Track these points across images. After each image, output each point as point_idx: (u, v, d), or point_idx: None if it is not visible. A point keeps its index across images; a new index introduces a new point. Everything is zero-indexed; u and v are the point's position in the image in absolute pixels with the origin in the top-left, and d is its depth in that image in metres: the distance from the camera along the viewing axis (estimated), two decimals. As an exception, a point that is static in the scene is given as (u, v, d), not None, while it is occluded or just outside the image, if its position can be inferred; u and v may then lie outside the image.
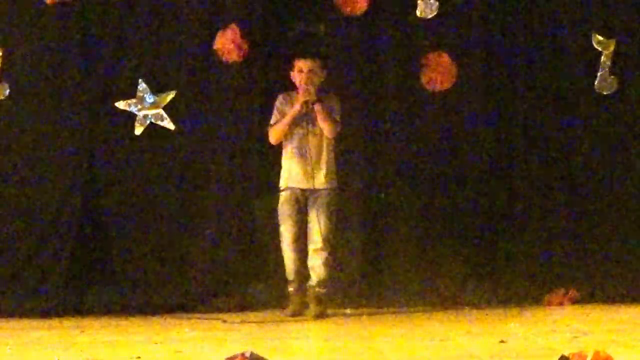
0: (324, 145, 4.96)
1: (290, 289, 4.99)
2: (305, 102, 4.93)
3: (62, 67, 5.54)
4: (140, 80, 5.53)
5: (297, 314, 4.94)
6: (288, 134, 4.98)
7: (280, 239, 4.99)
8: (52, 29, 5.54)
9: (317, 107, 4.90)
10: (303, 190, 4.96)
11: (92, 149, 5.55)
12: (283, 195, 5.00)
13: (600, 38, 5.53)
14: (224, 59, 5.52)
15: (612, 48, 5.50)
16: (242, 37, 5.49)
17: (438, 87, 5.55)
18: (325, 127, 4.90)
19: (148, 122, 5.55)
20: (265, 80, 5.52)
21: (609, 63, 5.49)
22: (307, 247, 4.94)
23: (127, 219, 5.53)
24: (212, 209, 5.54)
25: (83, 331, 4.63)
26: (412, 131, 5.57)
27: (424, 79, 5.54)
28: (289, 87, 5.09)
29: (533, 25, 5.57)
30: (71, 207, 5.48)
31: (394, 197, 5.52)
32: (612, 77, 5.51)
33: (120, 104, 5.55)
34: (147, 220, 5.53)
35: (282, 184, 5.03)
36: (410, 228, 5.48)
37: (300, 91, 4.94)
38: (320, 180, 4.94)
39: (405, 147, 5.55)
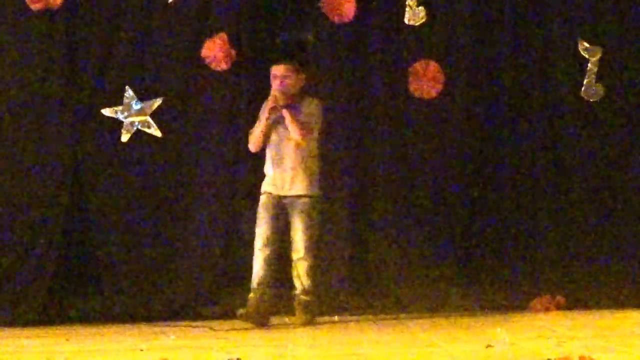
0: (302, 151, 4.95)
1: (251, 295, 4.90)
2: (274, 108, 4.92)
3: (49, 73, 5.53)
4: (127, 87, 5.52)
5: (250, 318, 4.79)
6: (268, 140, 4.97)
7: (254, 242, 4.96)
8: (39, 35, 5.53)
9: (285, 113, 4.90)
10: (281, 197, 4.95)
11: (78, 156, 5.53)
12: (262, 199, 5.00)
13: (587, 45, 5.55)
14: (212, 67, 5.52)
15: (598, 56, 5.52)
16: (230, 45, 5.50)
17: (425, 95, 5.56)
18: (292, 132, 4.89)
19: (135, 129, 5.54)
20: (253, 88, 5.51)
21: (595, 70, 5.51)
22: (279, 254, 4.91)
23: (113, 226, 5.52)
24: (199, 216, 5.52)
25: (68, 339, 4.61)
26: (399, 138, 5.58)
27: (411, 87, 5.56)
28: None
29: (520, 33, 5.59)
30: (56, 214, 5.45)
31: (380, 203, 5.53)
32: (599, 84, 5.53)
33: (107, 111, 5.54)
34: (133, 227, 5.51)
35: (262, 188, 5.04)
36: (397, 235, 5.48)
37: (270, 97, 4.95)
38: (298, 186, 4.93)
39: (392, 154, 5.56)
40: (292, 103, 4.94)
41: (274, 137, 4.97)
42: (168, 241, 5.52)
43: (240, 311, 4.85)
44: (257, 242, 4.91)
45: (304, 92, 5.05)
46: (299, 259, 4.90)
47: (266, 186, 5.01)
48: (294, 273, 4.94)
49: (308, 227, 4.88)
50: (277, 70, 4.97)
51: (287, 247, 4.97)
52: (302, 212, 4.90)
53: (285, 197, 4.95)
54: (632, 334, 4.18)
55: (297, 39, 5.68)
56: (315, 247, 4.94)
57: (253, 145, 5.02)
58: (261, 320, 4.85)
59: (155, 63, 5.57)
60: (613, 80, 5.53)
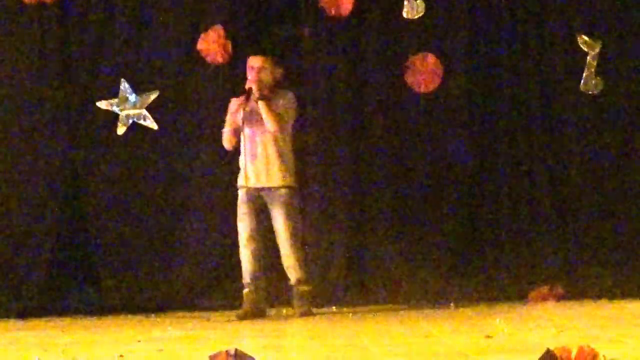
0: (277, 142, 4.91)
1: (245, 290, 4.90)
2: (246, 99, 4.88)
3: (43, 66, 5.51)
4: (122, 80, 5.50)
5: (249, 316, 4.82)
6: (242, 132, 4.93)
7: (238, 238, 4.94)
8: (32, 28, 5.51)
9: (260, 104, 4.87)
10: (258, 189, 4.92)
11: (73, 148, 5.52)
12: (239, 194, 4.96)
13: (586, 39, 5.54)
14: (207, 60, 5.50)
15: (597, 49, 5.51)
16: (226, 38, 5.47)
17: (423, 89, 5.54)
18: (267, 123, 4.86)
19: (130, 122, 5.51)
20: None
21: (594, 63, 5.50)
22: (264, 246, 4.90)
23: (109, 218, 5.50)
24: (196, 208, 5.51)
25: (64, 331, 4.59)
26: (397, 132, 5.56)
27: (409, 81, 5.54)
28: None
29: (518, 26, 5.58)
30: (52, 207, 5.44)
31: (378, 195, 5.51)
32: (598, 77, 5.52)
33: (102, 104, 5.52)
34: (129, 219, 5.50)
35: (238, 182, 5.00)
36: (395, 225, 5.47)
37: (246, 88, 4.92)
38: (274, 177, 4.90)
39: (390, 147, 5.54)
40: (267, 95, 4.90)
41: (247, 130, 4.93)
42: (164, 232, 5.50)
43: (238, 312, 4.85)
44: (241, 237, 4.90)
45: (279, 85, 5.00)
46: (285, 253, 4.88)
47: (242, 180, 4.97)
48: (285, 265, 4.91)
49: (289, 218, 4.86)
50: (254, 61, 4.95)
51: (273, 239, 4.94)
52: (281, 203, 4.87)
53: (262, 189, 4.92)
54: (631, 324, 4.16)
55: (294, 32, 5.65)
56: (299, 236, 4.92)
57: (227, 142, 4.97)
58: (260, 314, 4.85)
59: (150, 56, 5.55)
60: (612, 73, 5.52)
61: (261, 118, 4.88)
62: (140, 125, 5.51)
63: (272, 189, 4.90)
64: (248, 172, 4.91)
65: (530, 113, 5.57)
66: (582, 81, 5.53)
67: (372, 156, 5.56)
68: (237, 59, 5.48)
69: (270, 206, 4.91)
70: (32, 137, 5.50)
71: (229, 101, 5.48)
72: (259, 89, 4.87)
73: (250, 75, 4.92)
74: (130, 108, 5.51)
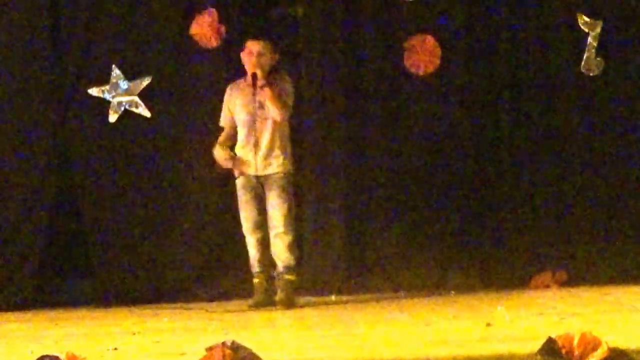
0: (275, 129, 4.82)
1: (255, 280, 4.85)
2: (253, 86, 4.80)
3: (33, 53, 5.41)
4: (113, 66, 5.40)
5: (262, 304, 4.78)
6: (240, 120, 4.86)
7: (242, 227, 4.87)
8: (22, 14, 5.40)
9: (266, 91, 4.77)
10: (257, 177, 4.84)
11: (65, 137, 5.43)
12: (238, 182, 4.89)
13: (586, 19, 5.46)
14: (201, 44, 5.42)
15: (598, 29, 5.43)
16: (219, 21, 5.39)
17: (422, 71, 5.47)
18: (274, 111, 4.78)
19: (122, 109, 5.43)
20: (243, 65, 5.39)
21: (595, 44, 5.43)
22: (268, 234, 4.83)
23: (103, 208, 5.43)
24: (191, 197, 5.44)
25: (58, 324, 4.55)
26: (395, 115, 5.48)
27: (407, 62, 5.45)
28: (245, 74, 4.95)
29: (518, 6, 5.49)
30: (44, 197, 5.37)
31: (376, 181, 5.44)
32: (599, 58, 5.44)
33: (94, 91, 5.43)
34: (124, 209, 5.43)
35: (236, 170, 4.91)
36: (394, 212, 5.40)
37: (249, 74, 4.83)
38: (273, 165, 4.83)
39: (389, 132, 5.47)
40: (270, 80, 4.81)
41: (246, 117, 4.84)
42: (160, 222, 5.43)
43: (250, 302, 4.80)
44: (246, 226, 4.84)
45: (275, 70, 4.92)
46: (278, 234, 4.78)
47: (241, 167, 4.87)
48: (273, 250, 4.81)
49: (285, 202, 4.78)
50: (254, 46, 4.84)
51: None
52: (278, 187, 4.79)
53: (261, 176, 4.84)
54: (634, 309, 4.14)
55: (288, 13, 5.55)
56: (293, 222, 4.84)
57: (221, 153, 4.86)
58: (271, 302, 4.79)
59: (142, 41, 5.45)
60: (613, 54, 5.44)
61: (262, 104, 4.79)
62: (133, 113, 5.42)
63: (270, 176, 4.82)
64: (246, 160, 4.82)
65: (531, 96, 5.49)
66: (582, 62, 5.45)
67: (369, 141, 5.48)
68: (230, 42, 5.38)
69: (267, 191, 4.83)
70: (22, 126, 5.41)
71: (223, 86, 5.43)
72: (262, 75, 4.77)
73: (250, 60, 4.82)
74: (122, 95, 5.42)
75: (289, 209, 4.80)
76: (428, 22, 5.46)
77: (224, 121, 4.99)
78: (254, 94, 4.81)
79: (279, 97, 4.78)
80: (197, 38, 5.42)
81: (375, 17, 5.49)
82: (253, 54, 4.82)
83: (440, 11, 5.46)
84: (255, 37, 4.91)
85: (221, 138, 4.95)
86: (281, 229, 4.77)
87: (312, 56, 5.49)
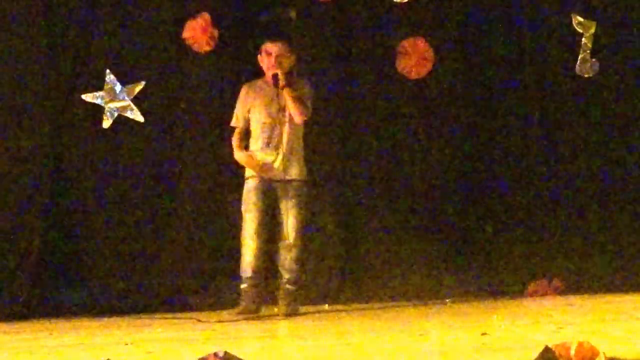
0: (296, 133, 4.78)
1: (244, 285, 4.73)
2: (276, 85, 4.73)
3: (27, 58, 5.38)
4: (107, 71, 5.37)
5: (248, 313, 4.69)
6: (259, 122, 4.79)
7: (242, 229, 4.76)
8: (16, 18, 5.36)
9: (287, 92, 4.71)
10: (274, 181, 4.77)
11: (58, 143, 5.41)
12: (250, 183, 4.78)
13: (581, 19, 5.44)
14: (194, 48, 5.39)
15: (592, 30, 5.41)
16: (212, 25, 5.36)
17: (414, 74, 5.45)
18: (295, 112, 4.71)
19: (116, 114, 5.39)
20: (236, 69, 5.39)
21: (589, 45, 5.40)
22: (269, 240, 4.75)
23: (96, 216, 5.41)
24: (185, 204, 5.42)
25: (51, 334, 4.53)
26: (388, 119, 5.46)
27: (399, 66, 5.43)
28: (261, 75, 4.94)
29: (511, 8, 5.48)
30: (38, 205, 5.33)
31: (370, 188, 5.42)
32: (593, 59, 5.42)
33: (87, 97, 5.40)
34: (117, 217, 5.41)
35: (249, 172, 4.82)
36: (389, 221, 5.39)
37: (269, 75, 4.78)
38: (292, 170, 4.77)
39: (382, 137, 5.46)
40: (291, 82, 4.74)
41: (266, 119, 4.77)
42: (153, 230, 5.41)
43: (236, 310, 4.72)
44: (248, 229, 4.71)
45: (293, 73, 4.88)
46: (288, 245, 4.73)
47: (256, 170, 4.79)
48: (280, 260, 4.77)
49: (300, 212, 4.72)
50: (273, 48, 4.77)
51: (275, 234, 4.83)
52: (295, 196, 4.71)
53: (277, 181, 4.77)
54: (632, 318, 4.12)
55: (280, 16, 5.52)
56: (305, 233, 4.80)
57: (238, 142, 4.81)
58: (257, 311, 4.72)
59: (136, 46, 5.42)
60: (608, 55, 5.43)
61: (283, 107, 4.71)
62: (127, 118, 5.39)
63: (291, 182, 4.74)
64: (269, 164, 4.72)
65: (525, 98, 5.48)
66: (577, 63, 5.43)
67: (361, 144, 5.46)
68: (223, 46, 5.35)
69: (281, 198, 4.73)
70: (16, 132, 5.37)
71: (216, 90, 5.40)
72: (283, 77, 4.70)
73: (269, 62, 4.74)
74: (115, 100, 5.39)
75: (303, 220, 4.73)
76: (420, 25, 5.43)
77: (238, 121, 4.86)
78: (277, 95, 4.73)
79: (299, 98, 4.72)
80: (190, 42, 5.40)
81: (367, 20, 5.47)
82: (271, 55, 4.75)
83: (433, 14, 5.43)
84: (273, 38, 4.83)
85: (237, 141, 4.83)
86: (292, 239, 4.70)
87: (304, 59, 5.46)
